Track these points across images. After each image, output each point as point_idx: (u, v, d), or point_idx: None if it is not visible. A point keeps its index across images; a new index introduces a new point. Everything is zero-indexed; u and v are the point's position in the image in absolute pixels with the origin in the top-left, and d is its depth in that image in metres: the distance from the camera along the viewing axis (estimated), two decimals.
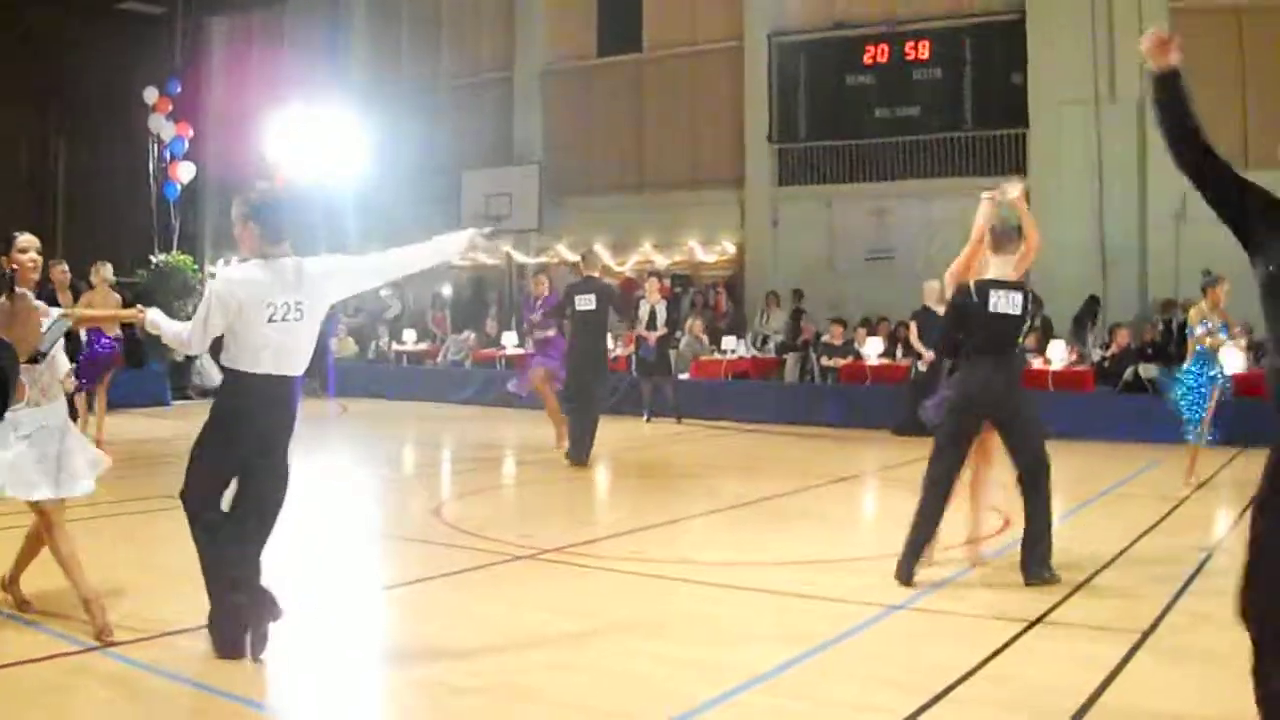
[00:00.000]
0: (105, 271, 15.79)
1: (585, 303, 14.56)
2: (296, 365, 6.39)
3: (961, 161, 24.51)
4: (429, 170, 29.37)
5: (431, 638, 6.92)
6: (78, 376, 14.10)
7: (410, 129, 29.63)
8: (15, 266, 7.06)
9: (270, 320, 6.17)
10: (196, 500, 6.30)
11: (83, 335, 22.43)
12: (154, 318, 6.73)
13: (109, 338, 15.39)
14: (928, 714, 5.33)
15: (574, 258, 24.26)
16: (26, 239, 7.22)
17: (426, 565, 8.83)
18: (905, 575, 8.09)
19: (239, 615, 6.21)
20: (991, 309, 8.08)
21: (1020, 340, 8.27)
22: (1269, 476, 3.94)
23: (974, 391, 8.16)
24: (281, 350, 6.26)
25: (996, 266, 8.25)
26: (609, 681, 5.89)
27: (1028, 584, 7.81)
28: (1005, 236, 8.33)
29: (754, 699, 5.56)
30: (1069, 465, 11.26)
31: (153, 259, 26.00)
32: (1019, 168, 23.88)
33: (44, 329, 5.86)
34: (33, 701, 5.50)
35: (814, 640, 6.55)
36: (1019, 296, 8.09)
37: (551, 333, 15.74)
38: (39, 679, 5.82)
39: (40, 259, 7.32)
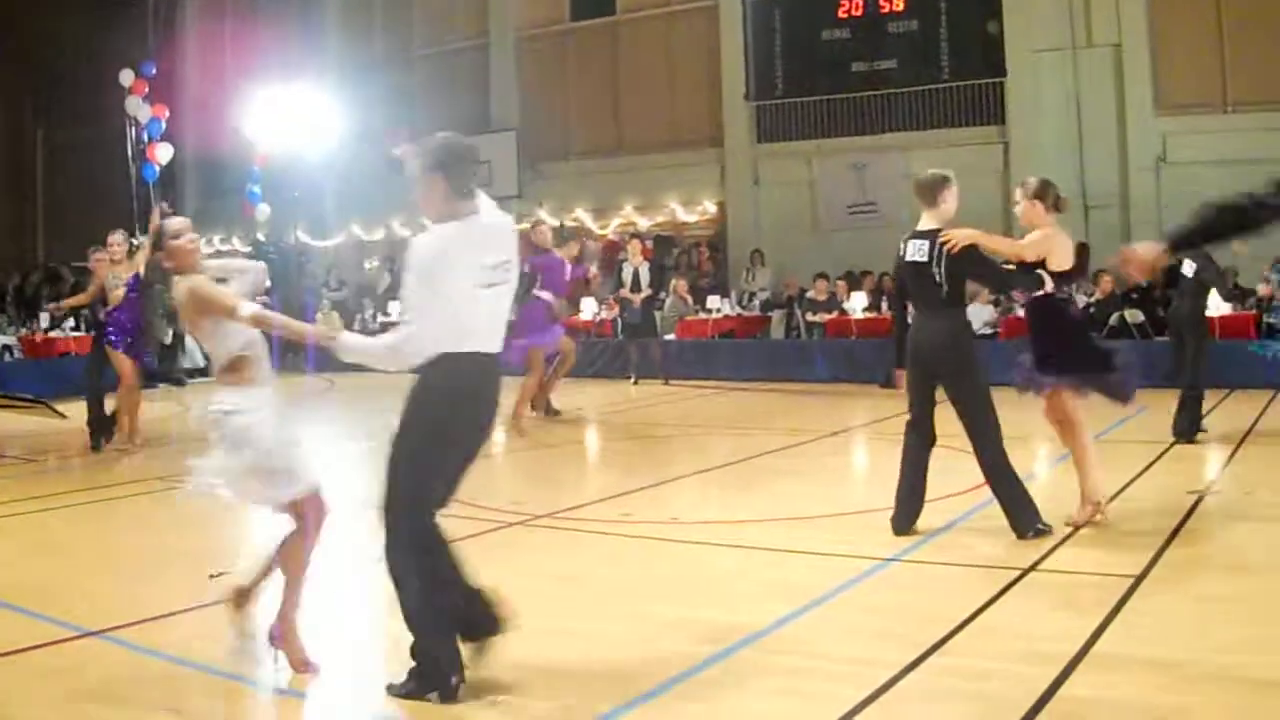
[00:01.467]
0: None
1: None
2: (501, 338, 5.59)
3: (940, 113, 24.47)
4: (408, 141, 29.25)
5: None
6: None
7: (386, 100, 29.49)
8: (168, 255, 6.24)
9: (482, 287, 5.34)
10: (410, 515, 5.50)
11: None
12: (349, 342, 5.91)
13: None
14: (923, 666, 5.37)
15: (555, 222, 24.32)
16: (180, 222, 6.40)
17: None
18: (898, 527, 8.15)
19: (456, 652, 5.35)
20: (905, 258, 8.15)
21: (943, 292, 8.14)
22: None
23: (912, 348, 8.27)
24: (494, 321, 5.51)
25: (926, 218, 8.27)
26: (605, 644, 5.92)
27: (1020, 539, 7.84)
28: (926, 189, 8.33)
29: (751, 656, 5.59)
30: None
31: (134, 241, 25.89)
32: (998, 117, 23.91)
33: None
34: (40, 686, 5.52)
35: (808, 596, 6.58)
36: (925, 244, 8.08)
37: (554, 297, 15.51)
38: (44, 664, 5.84)
39: (198, 239, 6.46)
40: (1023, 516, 7.91)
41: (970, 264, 8.04)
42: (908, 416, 8.33)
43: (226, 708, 5.29)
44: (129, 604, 6.84)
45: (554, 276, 15.44)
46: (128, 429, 13.87)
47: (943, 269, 7.99)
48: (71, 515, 10.16)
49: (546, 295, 15.23)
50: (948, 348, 8.12)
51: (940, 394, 8.20)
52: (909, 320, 8.51)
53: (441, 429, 5.49)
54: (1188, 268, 12.49)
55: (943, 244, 7.97)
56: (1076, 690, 5.04)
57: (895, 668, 5.35)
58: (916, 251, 8.09)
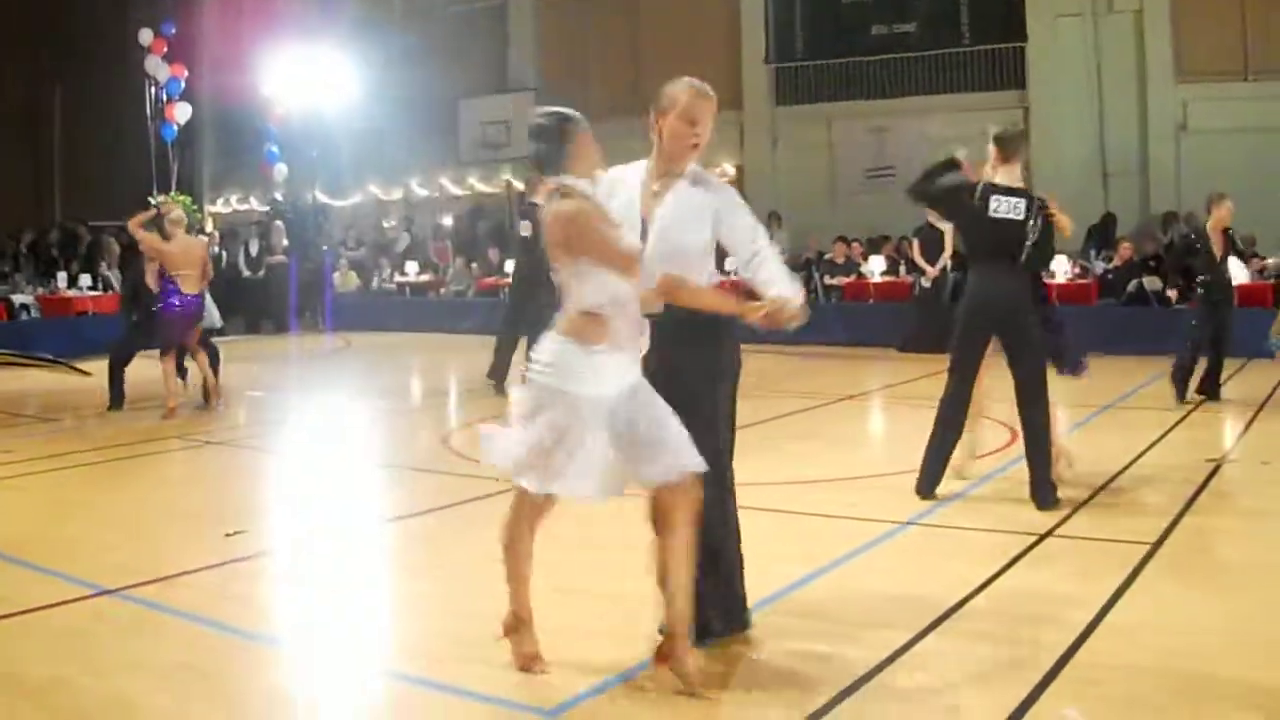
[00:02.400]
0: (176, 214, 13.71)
1: (524, 229, 14.23)
2: None
3: (960, 77, 24.39)
4: (426, 101, 29.13)
5: (441, 566, 6.97)
6: (150, 341, 13.79)
7: (406, 60, 29.41)
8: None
9: None
10: (727, 466, 5.47)
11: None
12: (787, 292, 5.35)
13: (185, 295, 13.31)
14: (938, 630, 5.37)
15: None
16: None
17: (436, 495, 8.87)
18: (924, 489, 8.12)
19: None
20: (992, 214, 7.98)
21: (1027, 250, 8.04)
22: None
23: (977, 303, 8.12)
24: None
25: (1004, 174, 8.14)
26: (618, 606, 5.91)
27: (1040, 510, 7.78)
28: (1012, 144, 8.22)
29: (766, 619, 5.58)
30: (1073, 379, 11.27)
31: (151, 200, 25.94)
32: (1018, 82, 23.79)
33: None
34: (56, 644, 5.53)
35: (824, 559, 6.57)
36: (1022, 203, 7.96)
37: None
38: (60, 623, 5.85)
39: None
40: (1046, 486, 7.87)
41: (1050, 237, 8.02)
42: (949, 375, 8.23)
43: (243, 666, 5.30)
44: (145, 562, 6.85)
45: None
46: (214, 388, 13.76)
47: (1038, 232, 7.91)
48: (87, 474, 10.18)
49: None
50: (1022, 307, 8.02)
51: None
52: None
53: (734, 384, 5.58)
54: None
55: (1047, 214, 7.92)
56: (1093, 656, 5.03)
57: (912, 631, 5.35)
58: (1011, 209, 7.95)
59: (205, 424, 12.64)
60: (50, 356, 18.08)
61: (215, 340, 14.67)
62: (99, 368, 14.48)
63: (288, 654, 5.56)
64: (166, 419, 12.65)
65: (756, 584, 5.64)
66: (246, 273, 26.32)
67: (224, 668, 5.22)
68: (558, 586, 5.62)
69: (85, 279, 23.43)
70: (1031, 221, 7.89)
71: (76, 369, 17.14)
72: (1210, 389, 12.50)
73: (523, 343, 13.38)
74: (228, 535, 7.48)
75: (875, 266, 21.30)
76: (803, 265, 23.51)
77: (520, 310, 14.07)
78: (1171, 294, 17.35)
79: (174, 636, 5.64)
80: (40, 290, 23.63)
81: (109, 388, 13.54)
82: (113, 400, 13.51)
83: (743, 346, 5.36)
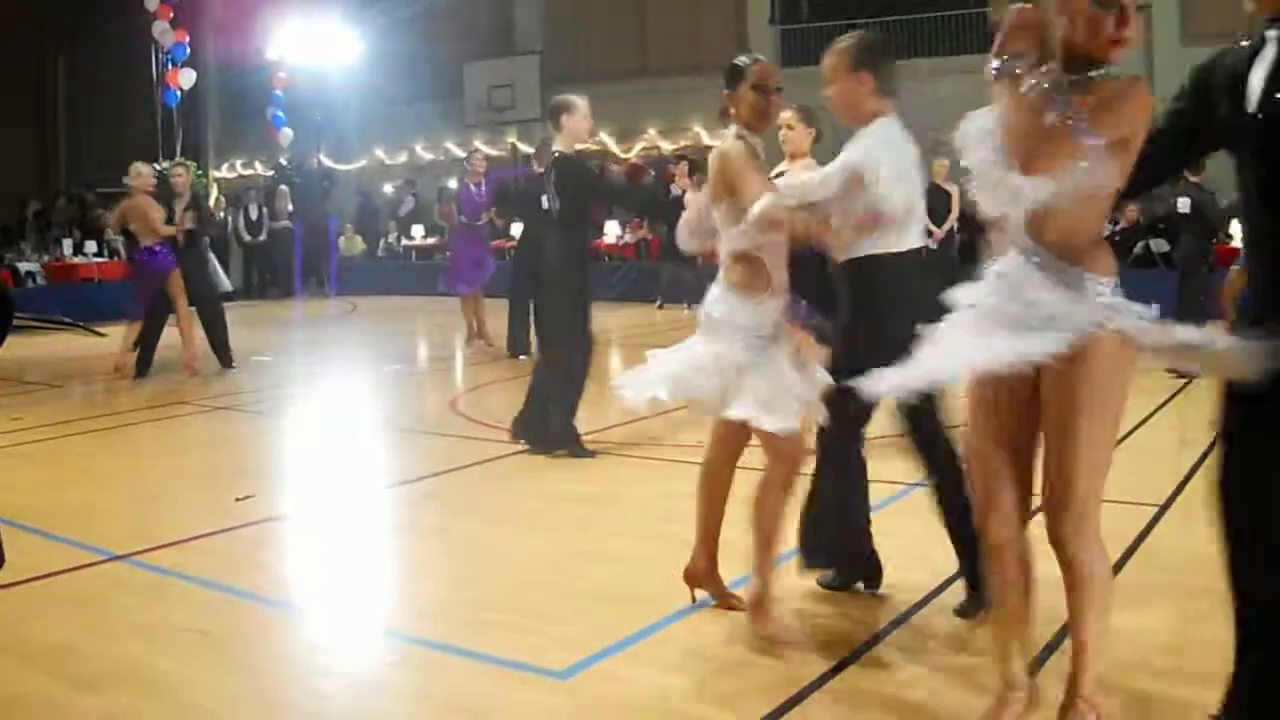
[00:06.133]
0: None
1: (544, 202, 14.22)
2: None
3: (969, 38, 24.24)
4: (430, 64, 29.07)
5: (450, 529, 6.98)
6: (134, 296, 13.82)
7: (411, 23, 29.29)
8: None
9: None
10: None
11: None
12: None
13: (163, 249, 13.52)
14: (948, 590, 5.36)
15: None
16: None
17: (444, 457, 8.89)
18: None
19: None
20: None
21: None
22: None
23: None
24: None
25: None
26: (629, 569, 5.92)
27: None
28: None
29: (777, 578, 5.58)
30: None
31: (157, 166, 25.89)
32: None
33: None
34: (66, 609, 5.56)
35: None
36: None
37: None
38: (70, 589, 5.87)
39: None
40: None
41: None
42: None
43: (254, 630, 5.32)
44: (155, 528, 6.88)
45: None
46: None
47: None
48: (96, 440, 10.21)
49: None
50: None
51: None
52: None
53: None
54: (1183, 205, 12.62)
55: None
56: None
57: (920, 592, 5.36)
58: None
59: (214, 389, 12.67)
60: (68, 319, 18.16)
61: (225, 304, 14.72)
62: (112, 332, 14.50)
63: (298, 618, 5.58)
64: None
65: None
66: (246, 237, 26.34)
67: (235, 632, 5.24)
68: (574, 550, 5.63)
69: (90, 245, 23.44)
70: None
71: (94, 331, 17.22)
72: None
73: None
74: (237, 500, 7.51)
75: None
76: None
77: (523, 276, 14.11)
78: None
79: (185, 601, 5.66)
80: (46, 258, 23.66)
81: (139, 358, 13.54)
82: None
83: None
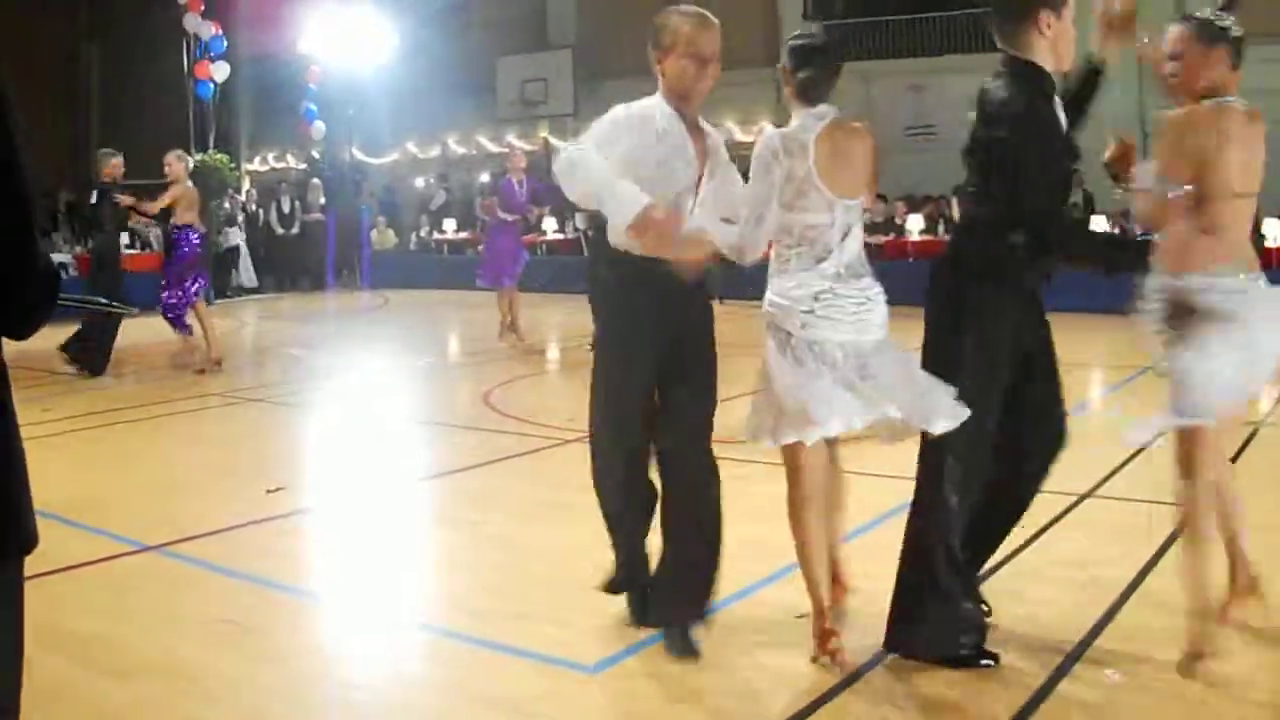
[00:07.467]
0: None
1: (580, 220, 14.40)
2: None
3: None
4: (464, 59, 29.09)
5: (482, 522, 6.98)
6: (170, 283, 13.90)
7: (444, 17, 29.34)
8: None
9: None
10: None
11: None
12: None
13: (198, 234, 14.19)
14: (982, 586, 5.33)
15: None
16: None
17: (476, 451, 8.91)
18: None
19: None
20: None
21: None
22: None
23: None
24: None
25: None
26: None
27: None
28: None
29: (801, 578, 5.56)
30: (1102, 340, 11.20)
31: (190, 159, 25.96)
32: None
33: None
34: (96, 599, 5.58)
35: (863, 516, 6.53)
36: None
37: None
38: (101, 579, 5.90)
39: None
40: None
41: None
42: None
43: (284, 621, 5.33)
44: (185, 519, 6.90)
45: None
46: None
47: None
48: (126, 431, 10.24)
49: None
50: None
51: None
52: None
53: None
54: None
55: None
56: (1131, 618, 5.02)
57: None
58: None
59: (244, 381, 12.71)
60: (105, 301, 18.20)
61: (250, 298, 14.81)
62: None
63: (328, 609, 5.59)
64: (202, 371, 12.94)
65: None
66: (280, 230, 26.41)
67: (265, 623, 5.25)
68: (606, 544, 5.60)
69: (123, 237, 23.48)
70: None
71: (127, 310, 17.32)
72: None
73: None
74: (268, 491, 7.52)
75: (914, 225, 21.24)
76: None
77: None
78: None
79: (215, 592, 5.68)
80: (78, 249, 23.73)
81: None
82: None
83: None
